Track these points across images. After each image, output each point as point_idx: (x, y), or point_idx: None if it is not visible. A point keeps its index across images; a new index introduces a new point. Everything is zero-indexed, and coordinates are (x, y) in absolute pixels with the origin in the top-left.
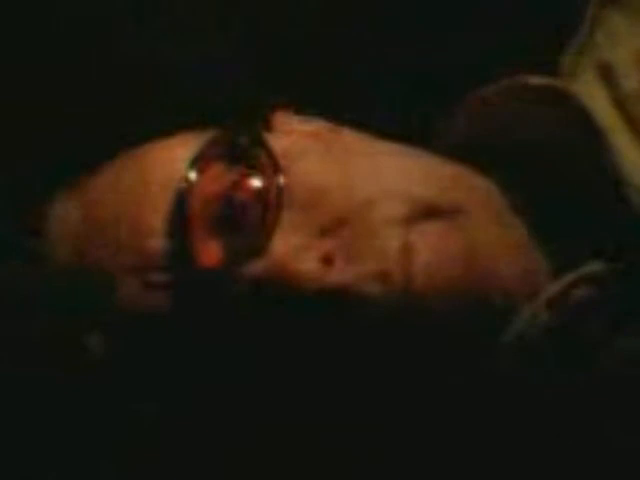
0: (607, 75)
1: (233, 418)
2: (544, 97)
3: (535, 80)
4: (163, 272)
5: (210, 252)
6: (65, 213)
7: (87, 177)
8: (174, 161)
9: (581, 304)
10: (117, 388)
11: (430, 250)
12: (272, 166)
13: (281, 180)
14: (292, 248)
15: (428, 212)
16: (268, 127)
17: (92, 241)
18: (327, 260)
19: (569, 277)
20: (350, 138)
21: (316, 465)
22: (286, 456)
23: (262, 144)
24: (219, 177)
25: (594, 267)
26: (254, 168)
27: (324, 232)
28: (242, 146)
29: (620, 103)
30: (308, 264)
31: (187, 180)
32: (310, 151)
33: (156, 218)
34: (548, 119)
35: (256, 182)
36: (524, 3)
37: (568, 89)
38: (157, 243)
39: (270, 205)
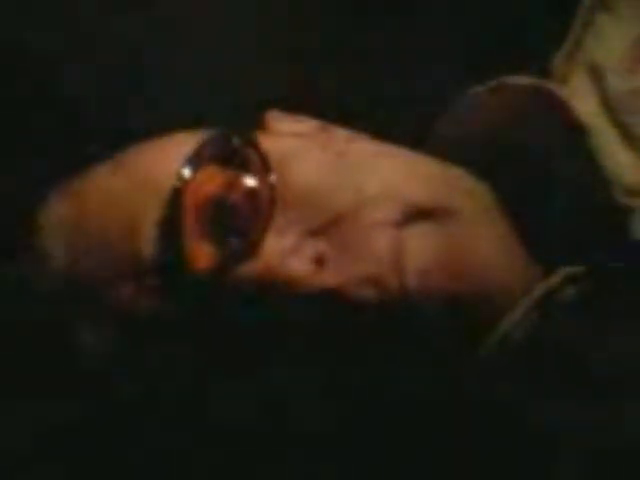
0: (596, 77)
1: (227, 421)
2: (532, 97)
3: (523, 80)
4: (156, 276)
5: (203, 254)
6: (58, 214)
7: (80, 178)
8: (167, 162)
9: (570, 304)
10: (113, 392)
11: (423, 252)
12: (263, 167)
13: (272, 180)
14: (284, 249)
15: (421, 214)
16: (261, 127)
17: (85, 243)
18: (319, 261)
19: (557, 276)
20: (342, 138)
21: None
22: (283, 459)
23: (254, 145)
24: (212, 178)
25: (583, 267)
26: (246, 169)
27: (316, 233)
28: (234, 147)
29: (608, 105)
30: (300, 266)
31: (181, 178)
32: (302, 152)
33: (149, 220)
34: (536, 119)
35: (248, 183)
36: (518, 6)
37: (554, 89)
38: (150, 246)
39: (262, 206)
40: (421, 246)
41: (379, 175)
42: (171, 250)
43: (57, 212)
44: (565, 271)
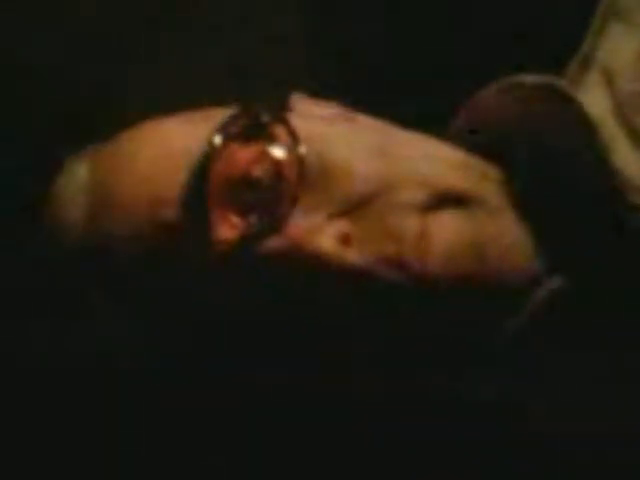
0: (608, 81)
1: (239, 395)
2: (541, 95)
3: (532, 79)
4: (178, 243)
5: (227, 224)
6: (78, 177)
7: (103, 145)
8: (197, 131)
9: (568, 309)
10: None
11: (448, 238)
12: (292, 142)
13: (301, 155)
14: (310, 225)
15: (448, 200)
16: (287, 109)
17: (106, 205)
18: (345, 240)
19: (557, 280)
20: (368, 124)
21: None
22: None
23: (283, 121)
24: (240, 152)
25: (583, 270)
26: (275, 145)
27: (343, 212)
28: (263, 123)
29: (618, 107)
30: (326, 242)
31: (211, 145)
32: (330, 133)
33: (175, 188)
34: (545, 117)
35: (276, 158)
36: (529, 13)
37: (563, 87)
38: (174, 213)
39: (289, 182)
40: (446, 231)
41: (408, 159)
42: (195, 219)
43: (78, 176)
44: (568, 274)
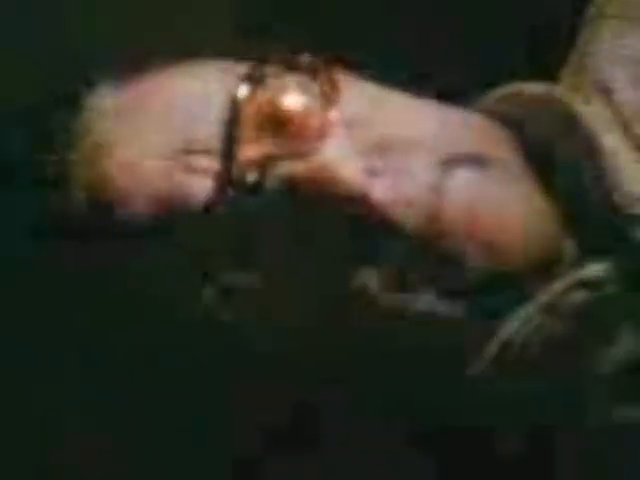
0: (606, 90)
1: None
2: (540, 105)
3: (531, 88)
4: (207, 158)
5: (256, 148)
6: (107, 93)
7: (134, 74)
8: (234, 70)
9: (577, 309)
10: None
11: (462, 190)
12: (332, 89)
13: (333, 114)
14: (339, 155)
15: (466, 159)
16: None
17: (135, 118)
18: (371, 173)
19: (565, 281)
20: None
21: None
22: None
23: (328, 66)
24: (275, 84)
25: (590, 271)
26: (314, 87)
27: (368, 152)
28: (303, 63)
29: (618, 115)
30: (353, 171)
31: (244, 82)
32: (355, 84)
33: (208, 109)
34: (545, 128)
35: (311, 94)
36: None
37: (563, 96)
38: (205, 130)
39: (323, 120)
40: (463, 184)
41: (427, 117)
42: (225, 140)
43: (107, 90)
44: (575, 275)
